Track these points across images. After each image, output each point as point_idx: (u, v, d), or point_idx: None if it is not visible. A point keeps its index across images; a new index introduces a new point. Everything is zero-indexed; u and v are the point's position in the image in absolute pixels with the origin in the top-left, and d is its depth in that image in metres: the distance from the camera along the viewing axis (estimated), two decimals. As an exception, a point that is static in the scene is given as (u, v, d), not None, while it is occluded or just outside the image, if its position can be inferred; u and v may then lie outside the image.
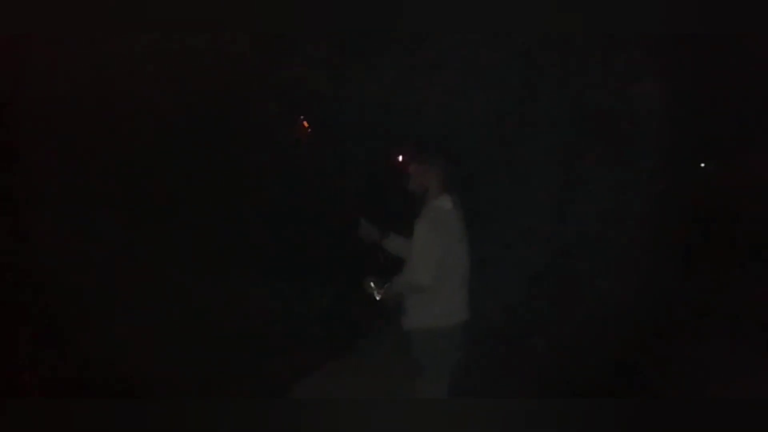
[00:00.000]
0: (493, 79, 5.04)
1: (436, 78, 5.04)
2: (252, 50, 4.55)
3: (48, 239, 3.93)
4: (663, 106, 5.48)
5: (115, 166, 4.30)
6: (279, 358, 4.36)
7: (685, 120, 6.07)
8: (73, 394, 3.43)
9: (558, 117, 5.24)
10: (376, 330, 4.72)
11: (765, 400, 3.35)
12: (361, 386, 4.06)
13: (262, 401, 3.59)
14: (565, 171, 5.39)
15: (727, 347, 4.49)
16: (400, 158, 5.96)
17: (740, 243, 7.01)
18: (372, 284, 3.08)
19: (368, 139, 5.55)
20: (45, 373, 3.66)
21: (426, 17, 4.16)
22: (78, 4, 3.53)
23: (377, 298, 3.06)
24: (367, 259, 3.54)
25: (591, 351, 4.19)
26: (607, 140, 5.40)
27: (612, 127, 5.40)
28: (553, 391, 3.68)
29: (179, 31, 4.13)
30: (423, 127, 5.14)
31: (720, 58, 5.86)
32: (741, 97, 6.54)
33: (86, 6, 3.55)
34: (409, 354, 3.01)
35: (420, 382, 2.99)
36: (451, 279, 2.95)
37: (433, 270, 2.84)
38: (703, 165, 9.35)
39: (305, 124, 5.46)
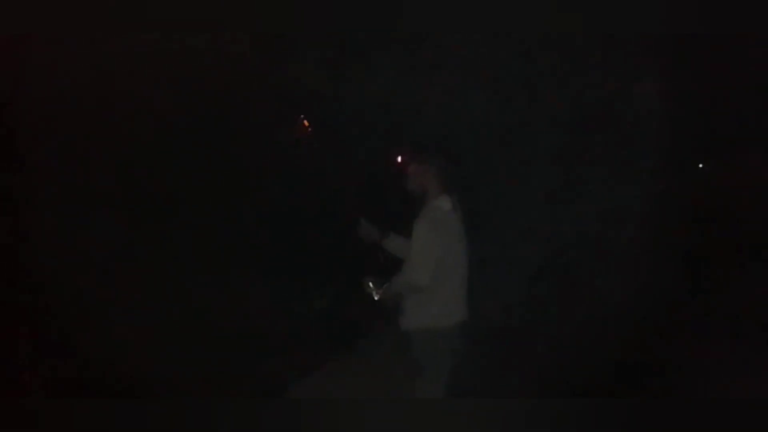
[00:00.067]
0: (493, 79, 5.04)
1: (436, 78, 5.04)
2: (252, 50, 4.54)
3: (48, 239, 3.93)
4: (663, 106, 5.48)
5: (115, 166, 4.30)
6: (279, 358, 4.36)
7: (685, 120, 6.07)
8: (73, 394, 3.43)
9: (558, 117, 5.24)
10: (376, 330, 4.72)
11: (765, 400, 3.35)
12: (360, 386, 4.07)
13: (261, 401, 3.60)
14: (564, 171, 5.39)
15: (727, 347, 4.49)
16: (400, 158, 5.96)
17: (740, 243, 7.00)
18: (371, 284, 3.08)
19: (368, 139, 5.55)
20: (45, 373, 3.65)
21: (426, 17, 4.16)
22: (78, 4, 3.53)
23: (376, 298, 3.07)
24: (367, 259, 3.54)
25: (591, 351, 4.19)
26: (607, 140, 5.39)
27: (612, 127, 5.40)
28: (553, 391, 3.68)
29: (179, 31, 4.12)
30: (423, 127, 5.14)
31: (720, 58, 5.86)
32: (741, 97, 6.54)
33: (86, 6, 3.55)
34: (409, 354, 3.01)
35: (419, 382, 2.99)
36: (450, 279, 2.95)
37: (431, 270, 2.84)
38: (701, 165, 9.34)
39: (305, 123, 5.46)
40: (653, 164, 5.49)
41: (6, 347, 3.66)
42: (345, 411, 3.28)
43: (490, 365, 4.09)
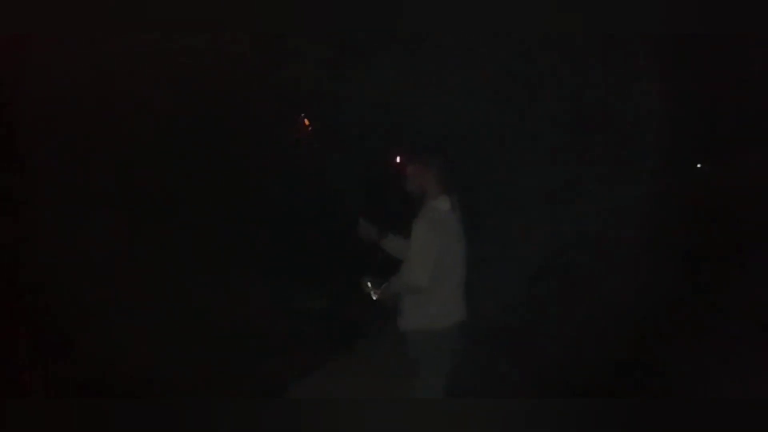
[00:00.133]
0: (493, 79, 5.04)
1: (436, 78, 5.04)
2: (252, 50, 4.55)
3: (48, 239, 3.93)
4: (663, 106, 5.48)
5: (115, 166, 4.30)
6: (278, 358, 4.36)
7: (685, 120, 6.08)
8: (73, 394, 3.43)
9: (558, 117, 5.24)
10: (376, 330, 4.72)
11: (765, 400, 3.35)
12: (360, 386, 4.07)
13: (261, 401, 3.60)
14: (564, 171, 5.39)
15: (727, 347, 4.49)
16: (399, 159, 5.96)
17: (740, 243, 7.00)
18: (369, 284, 3.08)
19: (368, 139, 5.55)
20: (45, 374, 3.66)
21: (426, 17, 4.16)
22: (78, 4, 3.53)
23: (374, 298, 3.07)
24: (366, 259, 3.55)
25: (591, 351, 4.19)
26: (607, 140, 5.40)
27: (612, 127, 5.40)
28: (553, 391, 3.68)
29: (179, 31, 4.12)
30: (423, 127, 5.14)
31: (720, 58, 5.86)
32: (741, 97, 6.54)
33: (86, 6, 3.55)
34: (408, 354, 3.01)
35: (419, 382, 2.99)
36: (449, 279, 2.95)
37: (430, 270, 2.84)
38: (701, 165, 9.35)
39: (306, 122, 5.46)
40: (653, 164, 5.50)
41: (6, 347, 3.66)
42: (345, 411, 3.28)
43: (490, 365, 4.09)
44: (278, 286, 5.05)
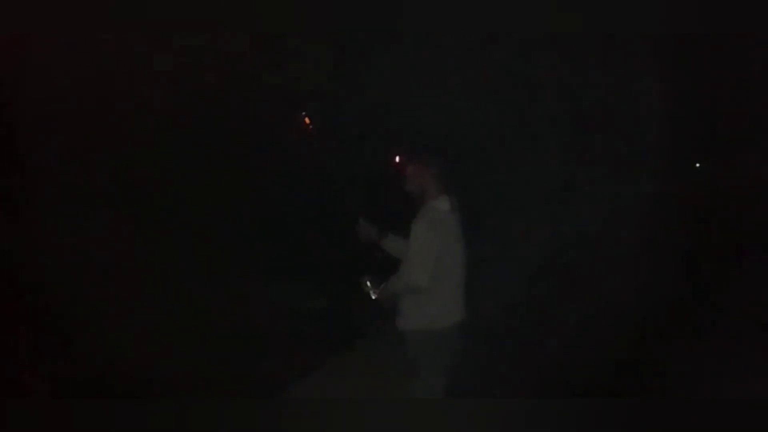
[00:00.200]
0: (493, 79, 5.04)
1: (436, 78, 5.04)
2: (252, 50, 4.55)
3: (48, 239, 3.93)
4: (663, 106, 5.48)
5: (115, 166, 4.30)
6: (278, 358, 4.36)
7: (685, 120, 6.08)
8: (73, 394, 3.43)
9: (558, 117, 5.25)
10: (376, 330, 4.72)
11: (765, 400, 3.35)
12: (360, 386, 4.07)
13: (261, 401, 3.60)
14: (564, 171, 5.39)
15: (727, 347, 4.49)
16: (399, 159, 5.96)
17: (740, 243, 7.01)
18: (368, 283, 3.08)
19: (367, 139, 5.55)
20: (45, 373, 3.65)
21: (426, 17, 4.16)
22: (78, 4, 3.53)
23: (373, 297, 3.07)
24: (366, 259, 3.55)
25: (591, 351, 4.19)
26: (607, 140, 5.40)
27: (612, 127, 5.40)
28: (553, 391, 3.68)
29: (179, 31, 4.13)
30: (423, 127, 5.14)
31: (720, 58, 5.87)
32: (741, 97, 6.55)
33: (86, 6, 3.55)
34: (407, 354, 3.01)
35: (418, 382, 2.99)
36: (449, 280, 2.94)
37: (429, 271, 2.84)
38: (698, 165, 9.37)
39: (307, 120, 5.46)
40: (653, 164, 5.50)
41: (6, 347, 3.66)
42: (344, 411, 3.28)
43: (490, 365, 4.09)
44: (278, 286, 5.05)
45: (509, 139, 5.26)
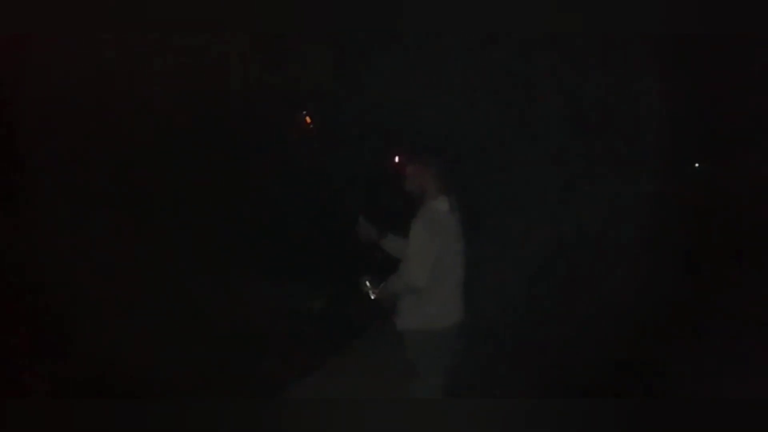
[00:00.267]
0: (493, 79, 5.04)
1: (436, 78, 5.04)
2: (252, 50, 4.55)
3: (48, 239, 3.93)
4: (663, 106, 5.49)
5: (115, 166, 4.30)
6: (278, 358, 4.36)
7: (685, 120, 6.08)
8: (72, 394, 3.43)
9: (557, 117, 5.25)
10: (376, 330, 4.72)
11: (765, 400, 3.35)
12: (359, 386, 4.06)
13: (261, 401, 3.59)
14: (564, 171, 5.39)
15: (727, 347, 4.49)
16: (398, 159, 5.96)
17: (740, 243, 7.01)
18: (367, 283, 3.08)
19: (367, 139, 5.55)
20: (45, 373, 3.65)
21: (426, 17, 4.16)
22: (78, 4, 3.53)
23: (372, 297, 3.07)
24: (366, 259, 3.54)
25: (591, 351, 4.19)
26: (606, 140, 5.40)
27: (612, 127, 5.41)
28: (553, 391, 3.68)
29: (179, 31, 4.13)
30: (423, 127, 5.14)
31: (720, 58, 5.87)
32: (741, 97, 6.55)
33: (86, 6, 3.55)
34: (407, 354, 3.01)
35: (418, 382, 2.99)
36: (448, 280, 2.94)
37: (428, 271, 2.83)
38: (698, 165, 9.38)
39: (308, 119, 5.47)
40: (653, 164, 5.50)
41: (6, 347, 3.66)
42: (344, 411, 3.28)
43: (490, 365, 4.09)
44: (278, 286, 5.05)
45: (509, 139, 5.26)
